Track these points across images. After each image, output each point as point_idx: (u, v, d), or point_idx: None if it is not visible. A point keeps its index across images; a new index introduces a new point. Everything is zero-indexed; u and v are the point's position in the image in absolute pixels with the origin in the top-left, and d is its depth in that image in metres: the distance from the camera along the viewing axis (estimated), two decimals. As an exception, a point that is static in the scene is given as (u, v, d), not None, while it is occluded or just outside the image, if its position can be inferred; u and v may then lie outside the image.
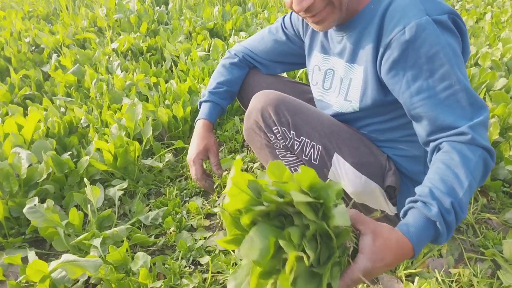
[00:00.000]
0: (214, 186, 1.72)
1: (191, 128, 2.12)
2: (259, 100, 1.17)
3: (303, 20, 1.31)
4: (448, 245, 1.29)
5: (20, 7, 4.81)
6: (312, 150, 1.17)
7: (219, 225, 1.52)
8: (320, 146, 1.16)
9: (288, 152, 1.20)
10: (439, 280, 1.18)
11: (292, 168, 1.24)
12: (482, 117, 0.92)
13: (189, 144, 1.90)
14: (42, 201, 1.48)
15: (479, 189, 1.50)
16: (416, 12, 0.95)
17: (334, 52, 1.19)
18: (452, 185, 0.83)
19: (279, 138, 1.17)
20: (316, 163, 1.18)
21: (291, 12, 1.36)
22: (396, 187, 1.16)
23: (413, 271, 1.21)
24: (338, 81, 1.19)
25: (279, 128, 1.15)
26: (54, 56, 3.16)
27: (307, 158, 1.18)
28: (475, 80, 2.03)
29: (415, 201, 0.84)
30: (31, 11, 4.66)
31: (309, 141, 1.16)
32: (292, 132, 1.15)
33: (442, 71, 0.94)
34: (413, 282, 1.18)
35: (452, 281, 1.18)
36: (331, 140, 1.15)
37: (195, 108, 2.13)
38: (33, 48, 3.59)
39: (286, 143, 1.17)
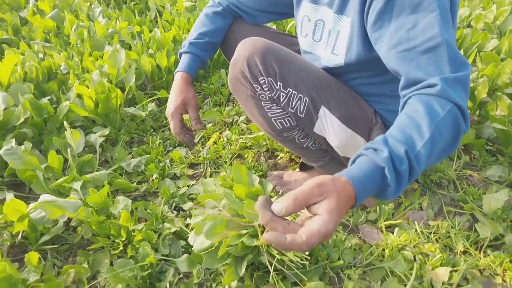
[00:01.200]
0: (197, 139, 1.70)
1: (176, 78, 2.06)
2: (246, 47, 1.12)
3: None
4: (428, 199, 1.31)
5: None
6: (298, 102, 1.14)
7: (203, 174, 1.51)
8: (307, 99, 1.13)
9: (274, 104, 1.18)
10: (418, 231, 1.20)
11: (278, 121, 1.22)
12: (461, 73, 0.83)
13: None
14: (20, 145, 1.43)
15: (462, 147, 1.51)
16: None
17: (323, 2, 1.14)
18: (410, 134, 0.76)
19: (265, 89, 1.13)
20: (302, 116, 1.16)
21: None
22: None
23: (393, 222, 1.23)
24: (326, 33, 1.15)
25: (265, 78, 1.11)
26: (32, 0, 3.00)
27: (293, 111, 1.16)
28: (467, 40, 2.02)
29: (366, 149, 0.76)
30: (7, -47, 4.37)
31: (296, 93, 1.13)
32: (279, 83, 1.11)
33: (425, 22, 0.87)
34: (392, 233, 1.20)
35: (431, 232, 1.20)
36: (318, 92, 1.12)
37: (180, 58, 2.07)
38: (9, -9, 3.39)
39: (272, 94, 1.13)
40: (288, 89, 1.12)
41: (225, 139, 1.67)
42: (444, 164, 1.42)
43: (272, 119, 1.21)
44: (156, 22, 2.70)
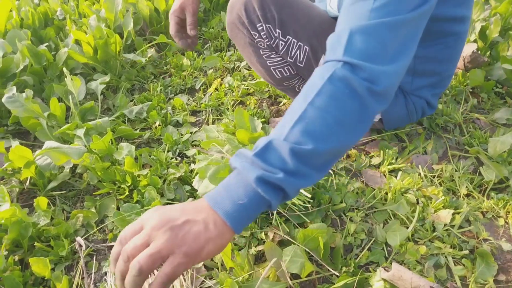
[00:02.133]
0: (198, 86, 1.66)
1: (176, 22, 2.00)
2: None
3: None
4: (433, 143, 1.30)
5: None
6: (298, 51, 1.10)
7: (205, 121, 1.50)
8: (307, 48, 1.08)
9: (273, 53, 1.13)
10: (422, 174, 1.20)
11: (277, 70, 1.18)
12: (378, 20, 0.70)
13: (172, 40, 1.80)
14: (21, 93, 1.42)
15: (470, 90, 1.48)
16: None
17: None
18: (282, 123, 0.67)
19: (263, 37, 1.08)
20: (302, 65, 1.12)
21: None
22: None
23: (397, 166, 1.23)
24: None
25: (263, 25, 1.06)
26: None
27: (292, 60, 1.12)
28: (481, -23, 1.91)
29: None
30: None
31: (295, 41, 1.08)
32: (277, 30, 1.06)
33: None
34: (396, 177, 1.20)
35: (434, 176, 1.20)
36: (320, 40, 1.07)
37: (180, 0, 1.99)
38: None
39: (271, 42, 1.09)
40: (288, 36, 1.07)
41: (226, 85, 1.64)
42: (451, 108, 1.39)
43: (271, 68, 1.17)
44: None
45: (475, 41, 1.54)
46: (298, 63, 1.12)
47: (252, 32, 1.09)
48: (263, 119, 1.46)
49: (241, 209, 0.62)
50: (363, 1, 0.72)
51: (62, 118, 1.36)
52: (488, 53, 1.51)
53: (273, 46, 1.10)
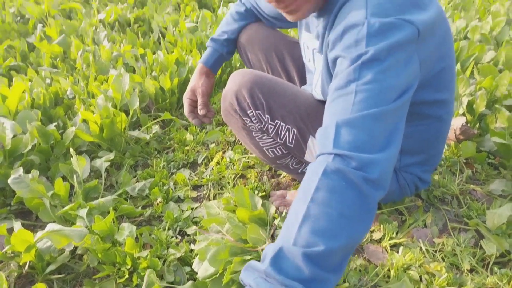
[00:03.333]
0: (200, 160, 1.71)
1: (179, 100, 2.10)
2: (235, 81, 1.16)
3: None
4: (432, 215, 1.31)
5: (2, -25, 4.63)
6: (287, 133, 1.18)
7: (207, 196, 1.52)
8: (295, 130, 1.16)
9: (265, 135, 1.22)
10: (423, 249, 1.19)
11: (269, 150, 1.25)
12: (358, 114, 0.73)
13: (176, 116, 1.89)
14: (27, 172, 1.46)
15: (464, 161, 1.51)
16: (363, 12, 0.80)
17: (313, 32, 1.15)
18: (287, 226, 0.68)
19: (254, 122, 1.17)
20: (292, 145, 1.20)
21: None
22: None
23: (398, 241, 1.23)
24: (313, 68, 1.19)
25: (253, 111, 1.15)
26: (39, 26, 3.07)
27: (282, 141, 1.20)
28: (464, 53, 2.02)
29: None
30: (14, -20, 4.49)
31: (284, 124, 1.16)
32: (266, 115, 1.15)
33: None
34: (397, 252, 1.19)
35: (436, 250, 1.20)
36: (306, 123, 1.15)
37: (183, 79, 2.10)
38: (18, 18, 3.49)
39: (262, 126, 1.18)
40: (276, 121, 1.16)
41: (228, 159, 1.69)
42: (447, 179, 1.42)
43: (264, 148, 1.25)
44: (159, 43, 2.75)
45: (463, 114, 1.60)
46: (288, 144, 1.20)
47: (243, 118, 1.18)
48: (264, 193, 1.48)
49: None
50: (345, 96, 0.77)
51: (65, 198, 1.39)
52: (477, 125, 1.57)
53: (264, 129, 1.18)
